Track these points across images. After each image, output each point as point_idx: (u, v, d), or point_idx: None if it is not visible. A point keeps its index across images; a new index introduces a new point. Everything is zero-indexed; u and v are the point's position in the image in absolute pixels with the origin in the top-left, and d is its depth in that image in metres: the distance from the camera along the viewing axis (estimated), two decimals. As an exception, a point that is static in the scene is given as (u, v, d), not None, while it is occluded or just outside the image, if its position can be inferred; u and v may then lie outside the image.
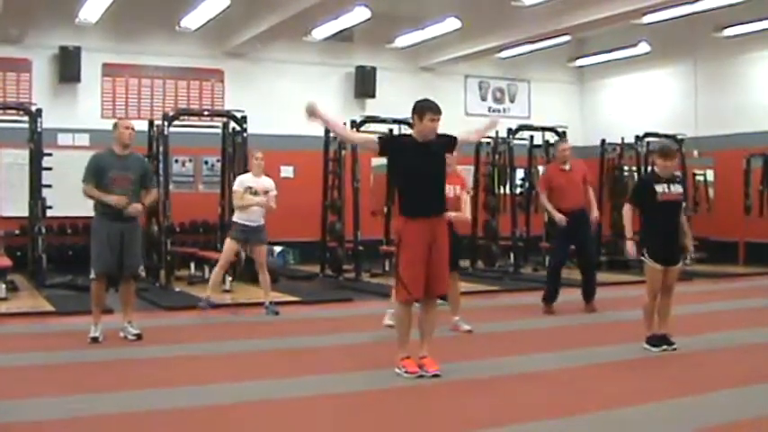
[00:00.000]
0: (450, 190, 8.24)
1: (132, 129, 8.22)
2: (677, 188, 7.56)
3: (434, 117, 6.61)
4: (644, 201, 7.55)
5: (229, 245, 9.97)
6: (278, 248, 15.29)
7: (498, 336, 8.72)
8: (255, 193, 9.92)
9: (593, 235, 10.64)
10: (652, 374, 6.80)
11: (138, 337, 8.04)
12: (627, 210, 7.88)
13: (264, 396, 6.00)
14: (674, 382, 6.51)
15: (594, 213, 10.13)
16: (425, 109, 6.63)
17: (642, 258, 7.50)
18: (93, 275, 8.03)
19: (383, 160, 14.90)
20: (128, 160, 8.08)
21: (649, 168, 9.47)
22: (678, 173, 7.84)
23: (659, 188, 7.44)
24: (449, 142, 6.86)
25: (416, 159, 6.60)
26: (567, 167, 10.02)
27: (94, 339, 7.84)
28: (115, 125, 8.28)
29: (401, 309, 6.59)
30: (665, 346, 7.45)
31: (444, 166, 6.80)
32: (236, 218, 10.00)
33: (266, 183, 10.05)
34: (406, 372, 6.39)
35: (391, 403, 5.93)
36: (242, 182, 10.07)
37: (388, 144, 6.97)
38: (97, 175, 7.92)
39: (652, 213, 7.50)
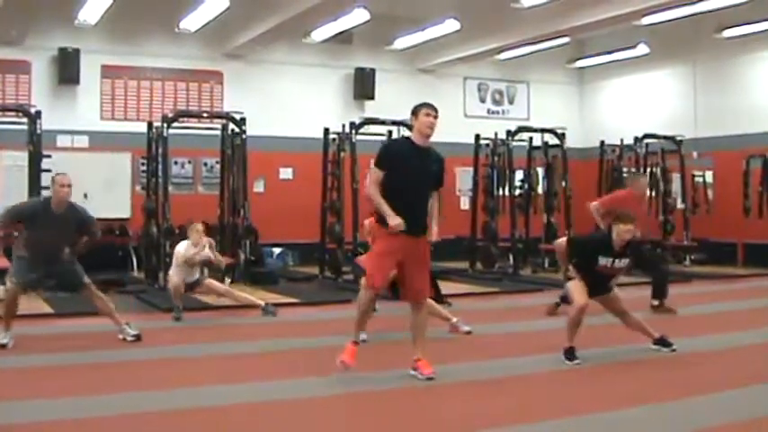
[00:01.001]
0: None
1: (69, 186, 7.95)
2: (622, 263, 7.27)
3: (430, 111, 6.53)
4: (583, 260, 7.30)
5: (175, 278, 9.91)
6: (277, 250, 15.30)
7: (497, 337, 8.72)
8: (193, 266, 9.95)
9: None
10: (651, 375, 6.80)
11: (137, 338, 8.04)
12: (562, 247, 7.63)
13: (264, 398, 5.99)
14: (673, 382, 6.51)
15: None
16: (421, 105, 6.61)
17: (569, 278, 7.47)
18: (10, 282, 8.03)
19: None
20: (62, 216, 7.92)
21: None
22: (635, 236, 7.48)
23: (603, 261, 7.19)
24: (439, 172, 6.68)
25: (410, 165, 6.49)
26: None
27: (2, 346, 7.74)
28: (53, 180, 8.10)
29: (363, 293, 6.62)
30: (663, 349, 7.46)
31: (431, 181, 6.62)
32: (173, 273, 9.95)
33: (204, 250, 10.00)
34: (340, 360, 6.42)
35: (390, 405, 5.92)
36: (184, 252, 9.91)
37: (384, 159, 6.62)
38: (24, 219, 7.96)
39: (584, 269, 7.30)
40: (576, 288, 7.28)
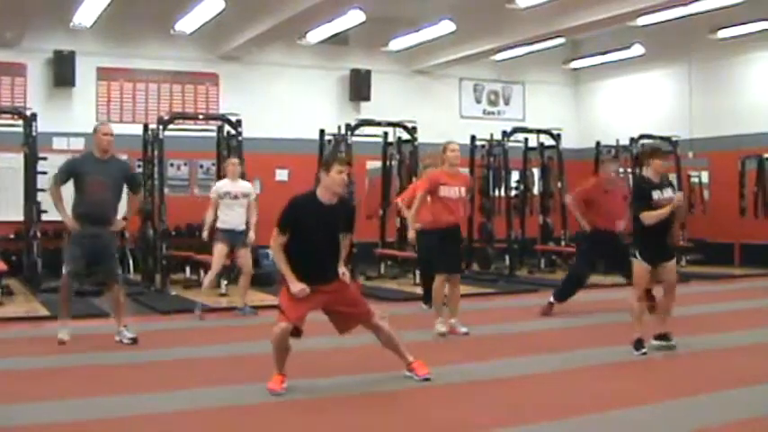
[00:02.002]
0: (455, 191, 8.34)
1: (111, 135, 8.17)
2: (670, 193, 7.51)
3: (342, 169, 6.22)
4: (644, 207, 7.42)
5: (218, 249, 9.97)
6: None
7: (494, 338, 8.71)
8: (235, 198, 9.97)
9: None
10: (650, 375, 6.81)
11: (134, 341, 8.03)
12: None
13: (263, 399, 5.98)
14: (672, 382, 6.52)
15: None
16: (333, 161, 6.37)
17: (633, 258, 7.51)
18: (64, 271, 8.08)
19: (378, 164, 14.97)
20: (107, 165, 8.05)
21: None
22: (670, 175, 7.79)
23: (656, 195, 7.38)
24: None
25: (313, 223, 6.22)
26: (611, 187, 9.89)
27: (61, 342, 7.85)
28: (94, 130, 8.28)
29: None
30: (663, 343, 7.48)
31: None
32: (219, 224, 9.99)
33: (243, 187, 10.12)
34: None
35: (388, 406, 5.92)
36: (217, 189, 10.13)
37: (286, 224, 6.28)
38: (73, 178, 7.95)
39: (648, 229, 7.41)
40: (637, 274, 7.49)
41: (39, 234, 12.29)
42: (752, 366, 7.04)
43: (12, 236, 13.97)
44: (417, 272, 12.02)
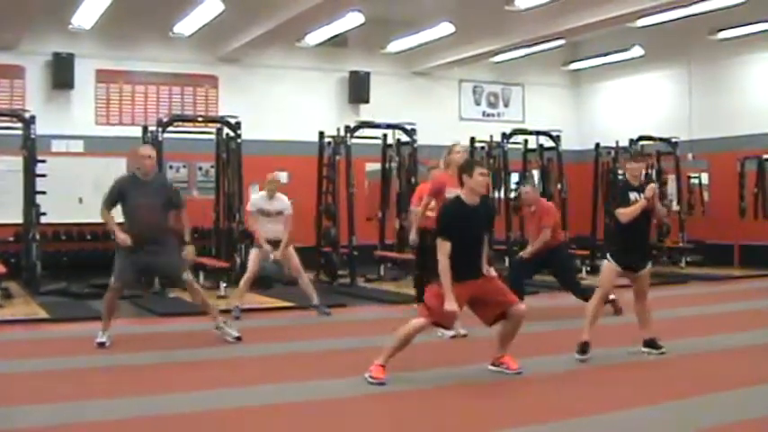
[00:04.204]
0: None
1: (151, 157, 8.15)
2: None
3: (483, 171, 6.70)
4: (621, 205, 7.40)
5: (255, 254, 10.01)
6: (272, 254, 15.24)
7: (494, 340, 8.67)
8: (269, 215, 9.97)
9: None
10: (649, 377, 6.80)
11: (238, 338, 8.21)
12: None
13: (262, 401, 5.98)
14: (671, 384, 6.51)
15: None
16: (474, 164, 6.82)
17: (605, 260, 7.50)
18: (112, 283, 8.08)
19: (377, 166, 14.91)
20: (151, 185, 8.08)
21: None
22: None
23: (632, 196, 7.35)
24: None
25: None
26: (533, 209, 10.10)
27: (101, 344, 7.89)
28: (135, 153, 8.29)
29: None
30: (653, 350, 7.45)
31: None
32: (260, 238, 10.00)
33: (279, 204, 10.06)
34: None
35: (388, 408, 5.91)
36: (254, 203, 10.13)
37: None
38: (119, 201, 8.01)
39: (625, 227, 7.38)
40: (604, 275, 7.47)
41: (38, 236, 12.28)
42: (751, 368, 7.04)
43: (11, 238, 13.94)
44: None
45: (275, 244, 9.93)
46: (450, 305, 6.32)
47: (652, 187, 7.41)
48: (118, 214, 8.14)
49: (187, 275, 8.23)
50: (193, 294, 8.33)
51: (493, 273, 6.76)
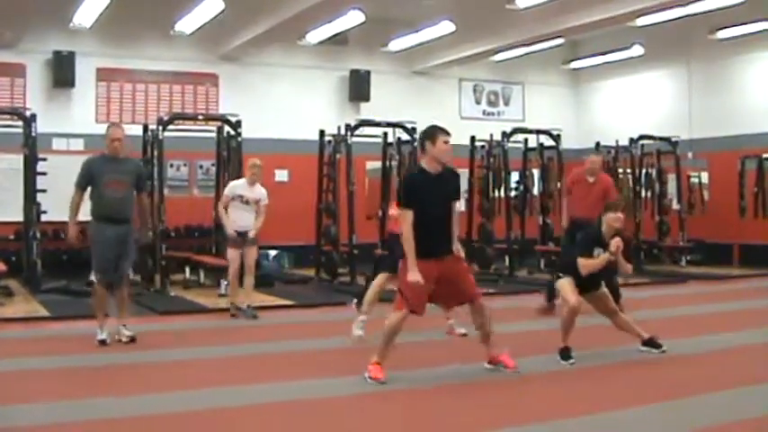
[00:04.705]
0: None
1: (119, 139, 8.18)
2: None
3: (447, 138, 6.56)
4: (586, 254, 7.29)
5: (231, 252, 9.92)
6: (272, 252, 15.27)
7: (494, 339, 8.69)
8: (246, 203, 9.89)
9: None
10: (648, 376, 6.81)
11: (132, 339, 8.05)
12: None
13: (262, 399, 5.99)
14: (670, 383, 6.52)
15: None
16: (437, 131, 6.63)
17: (558, 277, 7.47)
18: (93, 277, 8.11)
19: (377, 164, 14.88)
20: (123, 164, 8.10)
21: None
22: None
23: (597, 252, 7.26)
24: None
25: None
26: (592, 180, 9.97)
27: (102, 342, 7.90)
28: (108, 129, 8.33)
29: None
30: (653, 349, 7.46)
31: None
32: (228, 227, 9.92)
33: (258, 192, 9.98)
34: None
35: (388, 406, 5.92)
36: (233, 188, 10.02)
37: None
38: (90, 179, 7.97)
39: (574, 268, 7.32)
40: (566, 288, 7.30)
41: (38, 235, 12.29)
42: (750, 367, 7.05)
43: (11, 236, 13.97)
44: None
45: (242, 235, 9.84)
46: (413, 275, 6.24)
47: (616, 242, 7.23)
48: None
49: (130, 272, 8.27)
50: (121, 291, 8.24)
51: (461, 254, 6.64)
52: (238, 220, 9.86)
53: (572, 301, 7.17)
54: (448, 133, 6.59)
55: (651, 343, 7.50)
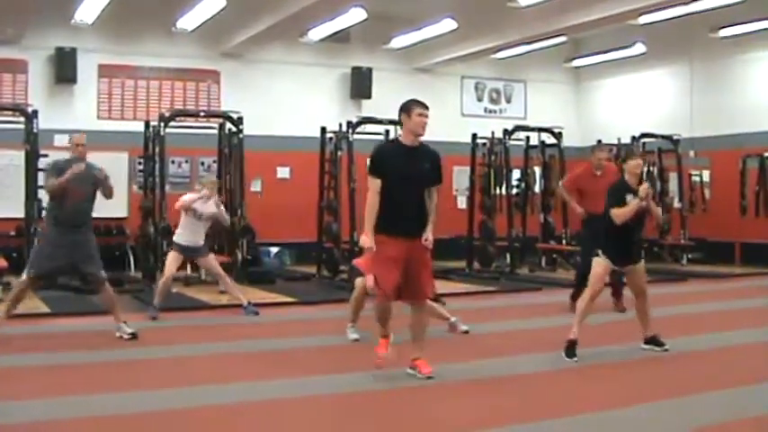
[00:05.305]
0: None
1: (83, 145, 8.35)
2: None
3: (422, 111, 6.41)
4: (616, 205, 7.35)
5: (172, 254, 9.84)
6: (274, 249, 15.29)
7: (495, 336, 8.72)
8: (199, 218, 9.82)
9: None
10: (650, 375, 6.81)
11: (134, 336, 8.06)
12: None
13: (263, 397, 6.00)
14: (671, 382, 6.52)
15: None
16: (412, 103, 6.51)
17: (596, 257, 7.40)
18: (25, 273, 8.18)
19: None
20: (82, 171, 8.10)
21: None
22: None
23: (628, 197, 7.31)
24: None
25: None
26: (599, 173, 9.97)
27: None
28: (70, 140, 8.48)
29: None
30: (656, 347, 7.47)
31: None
32: (176, 239, 9.87)
33: (212, 208, 9.92)
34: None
35: (388, 404, 5.93)
36: (190, 199, 9.83)
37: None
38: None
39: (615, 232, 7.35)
40: (595, 272, 7.35)
41: (39, 231, 12.27)
42: (751, 365, 7.05)
43: (12, 233, 13.95)
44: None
45: (190, 251, 9.83)
46: (366, 241, 6.19)
47: (644, 188, 7.34)
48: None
49: (102, 274, 8.21)
50: (103, 293, 8.28)
51: (430, 244, 6.34)
52: (186, 234, 9.80)
53: (595, 286, 7.32)
54: (425, 106, 6.45)
55: (654, 341, 7.50)
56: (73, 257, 8.03)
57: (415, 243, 6.29)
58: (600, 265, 7.36)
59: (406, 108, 6.44)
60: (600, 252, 7.38)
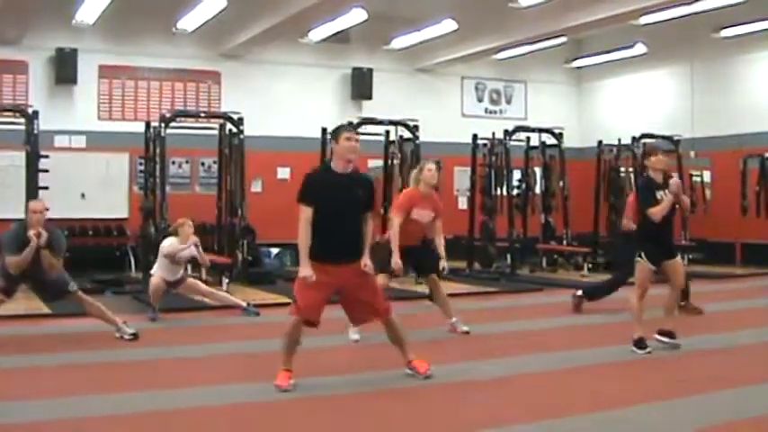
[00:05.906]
0: (426, 215, 8.28)
1: (40, 212, 8.33)
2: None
3: (349, 136, 6.29)
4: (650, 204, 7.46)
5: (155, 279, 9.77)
6: (274, 250, 15.28)
7: (495, 337, 8.71)
8: (178, 263, 9.80)
9: None
10: (652, 374, 6.80)
11: (135, 336, 8.06)
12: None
13: (263, 398, 5.98)
14: (673, 382, 6.52)
15: None
16: (341, 129, 6.45)
17: (638, 259, 7.49)
18: None
19: (379, 163, 14.91)
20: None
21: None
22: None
23: (659, 194, 7.43)
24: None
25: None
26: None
27: None
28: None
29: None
30: (667, 340, 7.50)
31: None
32: (155, 271, 9.80)
33: (190, 251, 9.89)
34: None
35: (388, 404, 5.92)
36: (171, 250, 9.69)
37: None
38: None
39: (650, 228, 7.48)
40: (639, 274, 7.48)
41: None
42: (754, 366, 7.05)
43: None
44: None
45: (170, 284, 9.78)
46: (304, 271, 6.07)
47: (676, 182, 7.50)
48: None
49: (73, 287, 8.23)
50: (86, 305, 8.31)
51: (369, 269, 6.27)
52: (164, 273, 9.72)
53: (642, 287, 7.45)
54: (353, 131, 6.44)
55: (669, 333, 7.54)
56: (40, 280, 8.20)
57: (350, 269, 6.22)
58: (642, 266, 7.47)
59: (335, 134, 6.36)
60: (642, 255, 7.47)
